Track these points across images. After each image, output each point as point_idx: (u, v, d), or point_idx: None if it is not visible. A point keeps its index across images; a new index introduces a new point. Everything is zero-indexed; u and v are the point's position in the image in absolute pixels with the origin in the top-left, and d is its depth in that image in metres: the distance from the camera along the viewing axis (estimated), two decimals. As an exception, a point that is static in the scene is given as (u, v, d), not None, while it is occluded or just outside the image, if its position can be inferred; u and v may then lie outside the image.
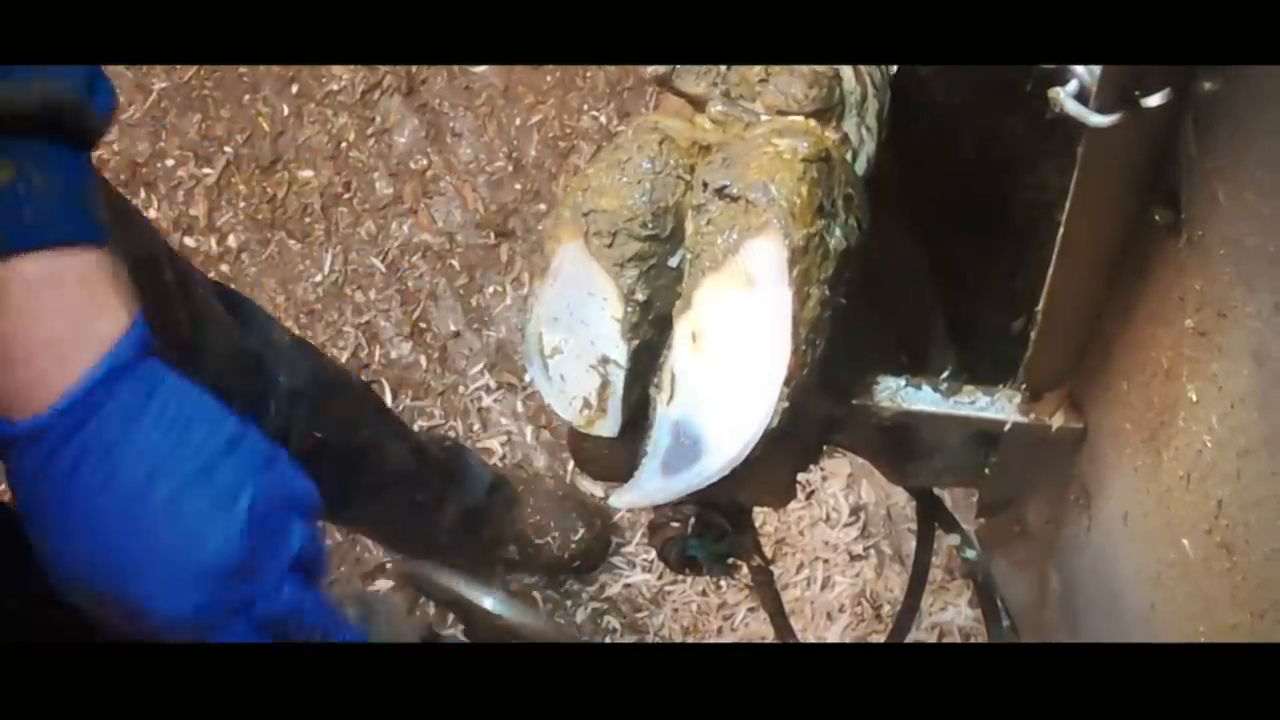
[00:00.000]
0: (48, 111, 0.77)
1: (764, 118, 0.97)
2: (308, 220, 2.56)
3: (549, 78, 2.63)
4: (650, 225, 0.93)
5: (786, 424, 0.90)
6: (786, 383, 0.88)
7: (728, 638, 2.08)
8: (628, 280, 0.93)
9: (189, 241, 2.55)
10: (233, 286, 1.94)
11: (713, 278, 0.90)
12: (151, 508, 0.77)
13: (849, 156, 0.97)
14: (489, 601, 1.03)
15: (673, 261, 0.94)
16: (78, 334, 0.77)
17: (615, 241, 0.93)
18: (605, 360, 0.95)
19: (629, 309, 0.94)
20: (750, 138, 0.94)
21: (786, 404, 0.89)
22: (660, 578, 2.14)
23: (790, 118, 0.96)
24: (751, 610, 2.08)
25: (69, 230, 0.78)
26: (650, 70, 1.00)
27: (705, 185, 0.92)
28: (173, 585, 0.78)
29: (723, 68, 0.98)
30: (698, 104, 1.00)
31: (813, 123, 0.96)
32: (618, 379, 0.95)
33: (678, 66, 0.99)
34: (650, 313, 0.95)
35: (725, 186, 0.90)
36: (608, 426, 0.97)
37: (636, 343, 0.95)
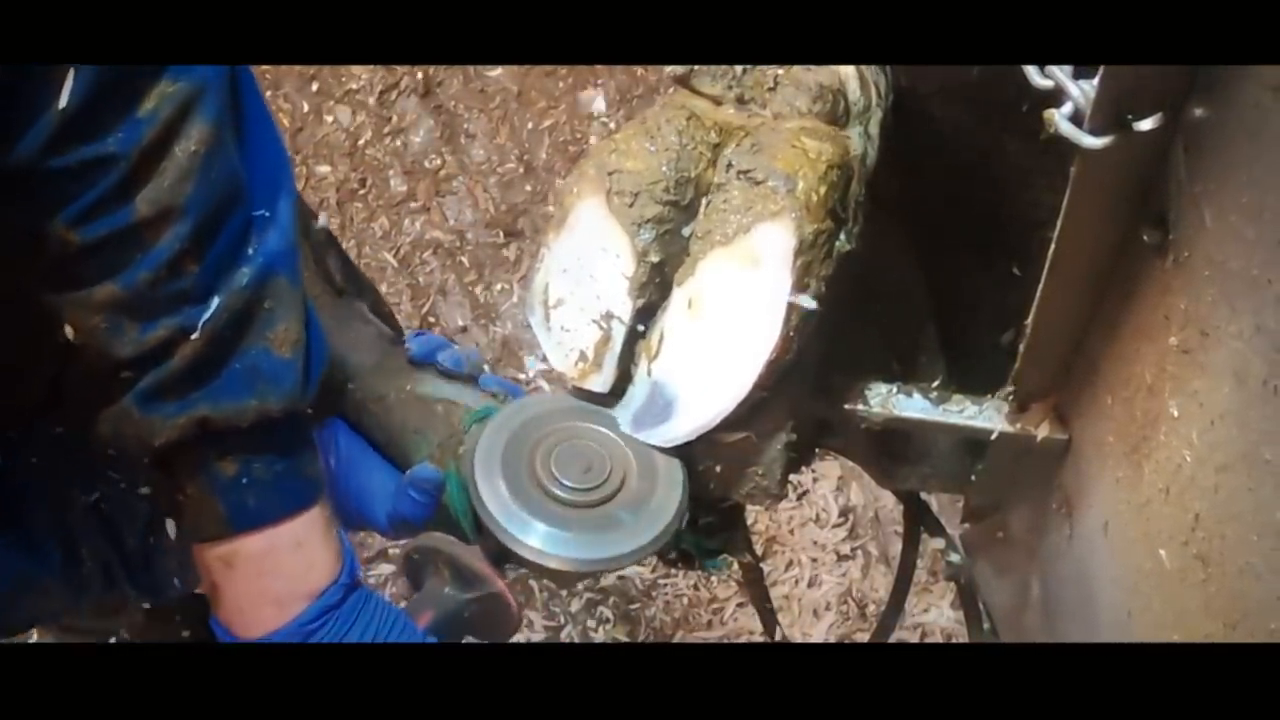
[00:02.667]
0: (265, 420, 0.85)
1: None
2: (323, 214, 2.58)
3: (561, 83, 2.65)
4: (672, 191, 0.96)
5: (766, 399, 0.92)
6: (770, 363, 0.91)
7: (717, 631, 2.10)
8: (643, 240, 0.96)
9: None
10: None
11: (720, 250, 0.93)
12: None
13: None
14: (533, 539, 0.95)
15: (686, 231, 0.97)
16: (294, 589, 0.89)
17: (636, 202, 0.96)
18: (609, 315, 0.97)
19: (640, 268, 0.96)
20: (780, 129, 0.97)
21: (764, 392, 0.91)
22: (653, 571, 2.15)
23: (818, 122, 0.98)
24: (741, 605, 2.09)
25: (286, 506, 0.88)
26: (670, 69, 1.03)
27: (730, 166, 0.95)
28: None
29: (738, 71, 1.01)
30: (715, 102, 1.02)
31: (839, 130, 0.99)
32: (618, 335, 0.97)
33: (695, 67, 1.02)
34: (659, 276, 0.97)
35: (750, 170, 0.93)
36: (600, 382, 0.99)
37: (642, 302, 0.97)
